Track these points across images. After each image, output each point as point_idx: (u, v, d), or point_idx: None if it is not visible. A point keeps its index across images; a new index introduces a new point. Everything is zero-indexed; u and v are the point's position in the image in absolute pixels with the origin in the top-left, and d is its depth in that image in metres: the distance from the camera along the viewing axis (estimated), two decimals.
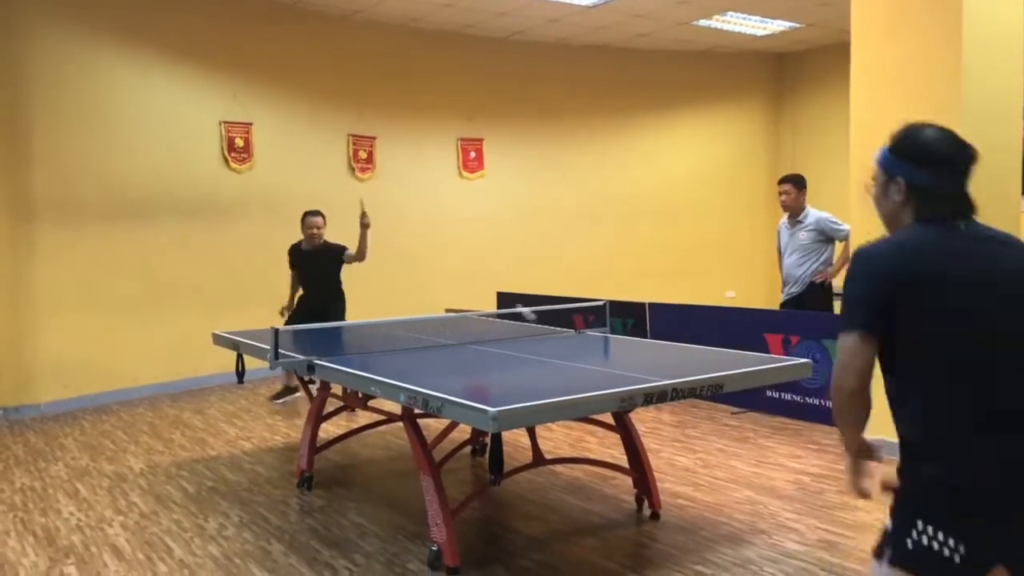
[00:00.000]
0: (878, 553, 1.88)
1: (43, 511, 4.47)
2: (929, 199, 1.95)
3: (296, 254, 6.68)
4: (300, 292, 6.72)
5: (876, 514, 4.05)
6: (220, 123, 8.12)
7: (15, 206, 6.96)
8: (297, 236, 6.62)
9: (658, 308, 7.10)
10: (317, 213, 6.55)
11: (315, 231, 6.50)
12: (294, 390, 6.63)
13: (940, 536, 1.76)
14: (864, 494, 1.98)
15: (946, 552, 1.75)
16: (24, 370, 6.99)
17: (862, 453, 2.00)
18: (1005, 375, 1.83)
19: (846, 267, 1.96)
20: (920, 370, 1.85)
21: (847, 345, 1.87)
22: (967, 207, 1.96)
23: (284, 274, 6.78)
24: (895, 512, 1.86)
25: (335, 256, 6.55)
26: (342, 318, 6.47)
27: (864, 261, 1.90)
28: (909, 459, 1.87)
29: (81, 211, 7.30)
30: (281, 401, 6.80)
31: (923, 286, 1.83)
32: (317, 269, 6.58)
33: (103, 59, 7.47)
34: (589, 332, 5.03)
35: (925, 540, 1.77)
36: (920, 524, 1.78)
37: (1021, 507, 1.78)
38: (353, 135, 8.97)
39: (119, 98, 7.56)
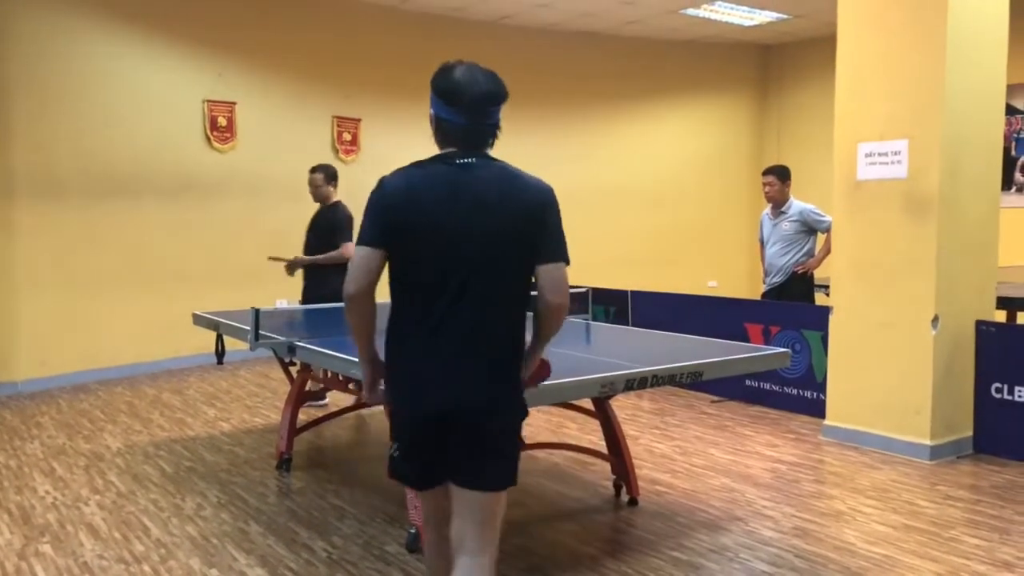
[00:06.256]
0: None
1: (18, 489, 4.43)
2: (445, 132, 2.01)
3: None
4: None
5: (850, 503, 4.10)
6: (203, 102, 8.03)
7: None
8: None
9: (640, 296, 7.14)
10: None
11: None
12: (319, 397, 5.91)
13: None
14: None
15: None
16: (1, 348, 6.92)
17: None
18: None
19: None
20: None
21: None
22: (477, 142, 1.99)
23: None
24: None
25: None
26: None
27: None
28: None
29: (62, 188, 7.21)
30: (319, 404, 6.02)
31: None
32: None
33: (85, 35, 7.36)
34: (571, 319, 5.04)
35: None
36: None
37: None
38: (338, 117, 8.90)
39: (101, 75, 7.45)
